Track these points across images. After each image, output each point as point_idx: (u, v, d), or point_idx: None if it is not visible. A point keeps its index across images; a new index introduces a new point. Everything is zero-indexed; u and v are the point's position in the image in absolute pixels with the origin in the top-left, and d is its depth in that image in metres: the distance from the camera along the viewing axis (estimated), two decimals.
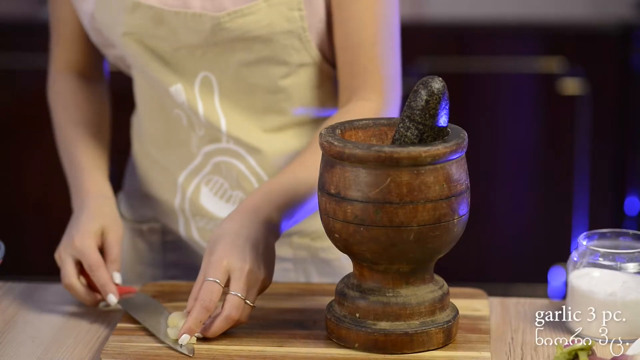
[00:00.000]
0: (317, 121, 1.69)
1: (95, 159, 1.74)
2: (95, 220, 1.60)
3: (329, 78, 1.68)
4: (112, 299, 1.54)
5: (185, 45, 1.63)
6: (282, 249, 1.72)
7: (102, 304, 1.58)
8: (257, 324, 1.48)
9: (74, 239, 1.58)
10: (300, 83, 1.66)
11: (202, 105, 1.66)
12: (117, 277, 1.57)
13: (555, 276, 3.34)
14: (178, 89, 1.66)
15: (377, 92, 1.62)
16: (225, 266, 1.43)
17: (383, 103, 1.62)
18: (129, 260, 1.82)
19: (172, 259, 1.79)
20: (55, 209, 3.41)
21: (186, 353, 1.39)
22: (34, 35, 3.29)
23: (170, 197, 1.75)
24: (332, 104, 1.70)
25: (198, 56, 1.64)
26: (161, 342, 1.43)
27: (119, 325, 1.48)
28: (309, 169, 1.52)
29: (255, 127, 1.68)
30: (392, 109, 1.63)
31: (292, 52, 1.63)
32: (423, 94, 1.35)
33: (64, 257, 1.58)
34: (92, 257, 1.56)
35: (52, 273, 3.54)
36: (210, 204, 1.72)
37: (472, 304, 1.52)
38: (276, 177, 1.54)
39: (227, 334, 1.44)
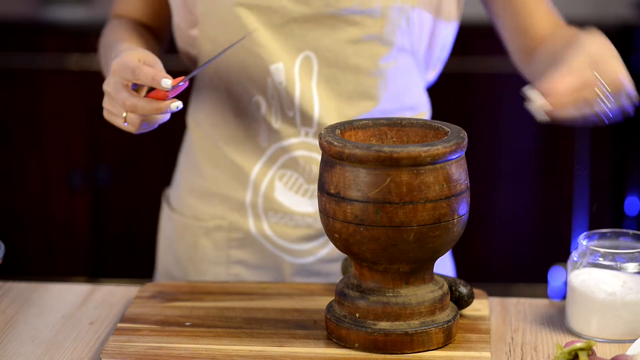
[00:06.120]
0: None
1: (138, 42, 1.68)
2: (134, 52, 1.53)
3: (420, 80, 1.74)
4: (167, 82, 1.46)
5: (296, 18, 1.65)
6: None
7: (172, 105, 1.48)
8: (257, 324, 1.48)
9: (113, 65, 1.50)
10: (396, 70, 1.69)
11: (299, 87, 1.68)
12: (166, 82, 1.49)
13: (555, 276, 3.34)
14: (279, 67, 1.67)
15: None
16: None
17: None
18: (190, 259, 1.79)
19: (237, 257, 1.77)
20: (56, 209, 3.42)
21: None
22: (34, 35, 3.29)
23: (241, 194, 1.74)
24: (415, 102, 1.75)
25: (307, 30, 1.65)
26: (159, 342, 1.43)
27: (119, 325, 1.48)
28: None
29: (343, 116, 1.69)
30: None
31: (397, 32, 1.66)
32: None
33: (110, 87, 1.50)
34: (133, 62, 1.48)
35: (52, 273, 3.55)
36: (286, 199, 1.73)
37: (472, 304, 1.52)
38: None
39: (226, 334, 1.44)
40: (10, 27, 3.35)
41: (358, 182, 1.34)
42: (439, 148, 1.34)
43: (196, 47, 1.72)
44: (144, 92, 1.51)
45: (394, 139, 1.46)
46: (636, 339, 1.44)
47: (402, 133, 1.46)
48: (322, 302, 1.53)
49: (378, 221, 1.34)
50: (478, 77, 3.30)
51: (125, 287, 1.67)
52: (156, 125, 1.52)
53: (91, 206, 3.40)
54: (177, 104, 1.48)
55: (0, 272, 2.06)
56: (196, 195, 1.79)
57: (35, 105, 3.34)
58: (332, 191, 1.37)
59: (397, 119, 1.47)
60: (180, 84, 1.48)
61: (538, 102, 1.44)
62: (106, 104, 1.53)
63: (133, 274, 3.30)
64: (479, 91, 3.32)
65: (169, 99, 1.48)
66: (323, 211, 1.39)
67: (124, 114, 1.50)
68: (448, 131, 1.40)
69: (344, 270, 1.57)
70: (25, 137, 3.37)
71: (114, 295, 1.64)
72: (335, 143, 1.36)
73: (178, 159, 1.85)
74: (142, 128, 1.51)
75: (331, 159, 1.37)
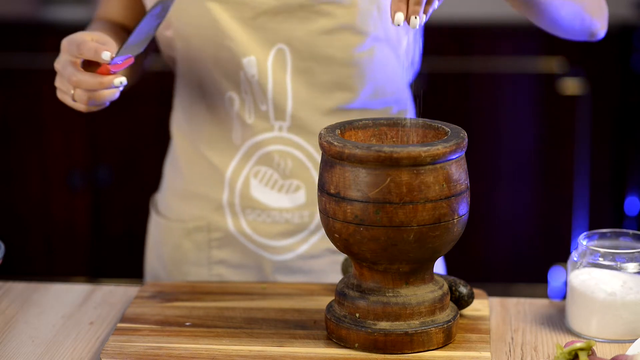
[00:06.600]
0: (376, 112, 1.72)
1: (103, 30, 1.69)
2: (87, 32, 1.56)
3: (401, 73, 1.73)
4: (106, 54, 1.48)
5: (266, 10, 1.65)
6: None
7: (116, 81, 1.51)
8: (257, 324, 1.48)
9: (63, 43, 1.53)
10: (372, 61, 1.68)
11: (272, 80, 1.68)
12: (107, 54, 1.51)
13: (555, 276, 3.34)
14: (251, 60, 1.67)
15: None
16: None
17: None
18: (174, 261, 1.80)
19: (219, 257, 1.77)
20: (56, 209, 3.42)
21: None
22: (34, 35, 3.29)
23: (218, 193, 1.75)
24: (398, 96, 1.74)
25: (278, 23, 1.65)
26: (159, 342, 1.43)
27: (119, 325, 1.48)
28: None
29: (318, 108, 1.69)
30: None
31: (369, 21, 1.66)
32: None
33: (60, 65, 1.52)
34: (79, 38, 1.50)
35: (52, 273, 3.55)
36: (262, 196, 1.73)
37: (472, 304, 1.52)
38: None
39: (226, 334, 1.44)
40: (10, 27, 3.35)
41: (358, 182, 1.34)
42: (439, 148, 1.34)
43: (172, 47, 1.72)
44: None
45: (394, 139, 1.46)
46: (636, 339, 1.44)
47: (402, 133, 1.46)
48: (322, 302, 1.53)
49: (378, 221, 1.34)
50: (478, 77, 3.30)
51: (125, 287, 1.67)
52: (106, 103, 1.53)
53: (91, 206, 3.40)
54: (121, 79, 1.50)
55: (0, 272, 2.06)
56: (178, 197, 1.80)
57: (35, 105, 3.34)
58: (332, 191, 1.37)
59: (397, 118, 1.47)
60: (120, 58, 1.49)
61: (395, 20, 1.41)
62: (57, 82, 1.55)
63: (133, 274, 3.29)
64: (479, 91, 3.32)
65: (112, 74, 1.50)
66: (323, 211, 1.39)
67: (72, 91, 1.52)
68: (448, 131, 1.40)
69: (344, 270, 1.57)
70: (25, 137, 3.37)
71: (114, 295, 1.64)
72: (335, 143, 1.36)
73: (164, 166, 1.86)
74: (90, 106, 1.53)
75: (331, 159, 1.37)
